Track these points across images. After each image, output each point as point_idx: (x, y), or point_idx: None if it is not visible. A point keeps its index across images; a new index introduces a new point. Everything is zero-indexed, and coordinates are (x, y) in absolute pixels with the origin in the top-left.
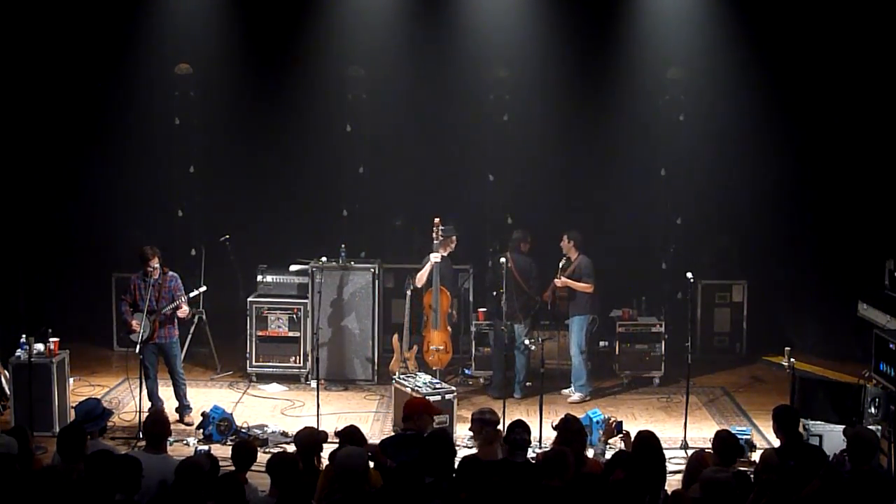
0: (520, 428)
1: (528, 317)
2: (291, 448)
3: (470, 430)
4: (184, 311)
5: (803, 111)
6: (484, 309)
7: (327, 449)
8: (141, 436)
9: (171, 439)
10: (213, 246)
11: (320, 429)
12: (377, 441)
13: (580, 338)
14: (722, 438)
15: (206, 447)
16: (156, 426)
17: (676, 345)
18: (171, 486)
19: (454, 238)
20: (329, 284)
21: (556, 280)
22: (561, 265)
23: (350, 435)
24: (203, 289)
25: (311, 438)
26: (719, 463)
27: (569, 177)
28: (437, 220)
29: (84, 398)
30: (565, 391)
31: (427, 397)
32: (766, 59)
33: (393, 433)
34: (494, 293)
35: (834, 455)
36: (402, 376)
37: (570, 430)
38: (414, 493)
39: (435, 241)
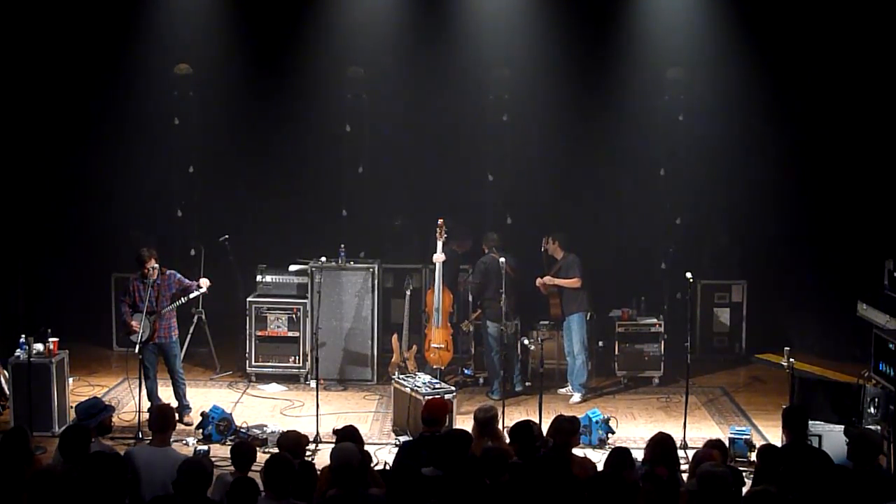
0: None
1: (517, 316)
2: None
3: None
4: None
5: (803, 111)
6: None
7: (326, 449)
8: (141, 435)
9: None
10: (212, 246)
11: (314, 430)
12: (377, 440)
13: (582, 335)
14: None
15: (205, 447)
16: (162, 419)
17: (676, 345)
18: (174, 484)
19: (470, 240)
20: (328, 284)
21: (538, 280)
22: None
23: (347, 435)
24: (207, 282)
25: (294, 442)
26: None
27: (568, 176)
28: (440, 221)
29: (84, 398)
30: (562, 391)
31: (427, 397)
32: (766, 58)
33: (393, 433)
34: (501, 292)
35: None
36: (401, 376)
37: (562, 430)
38: (411, 490)
39: (439, 241)
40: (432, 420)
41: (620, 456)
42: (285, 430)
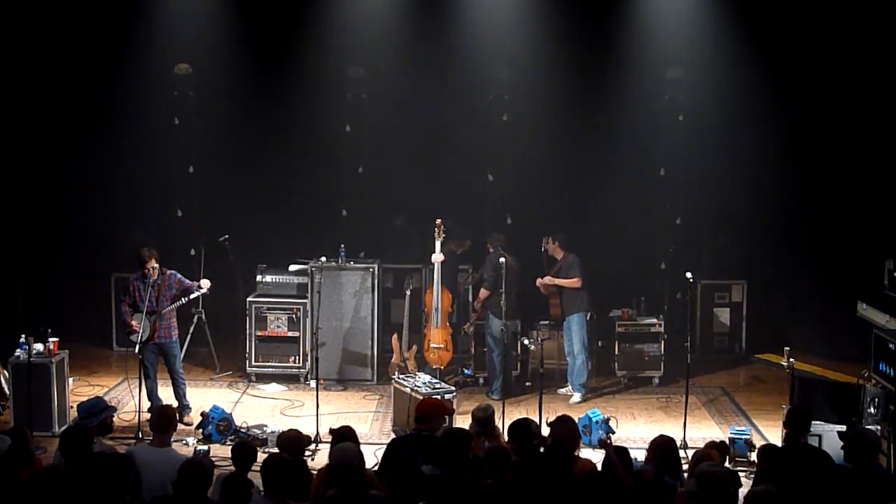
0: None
1: (517, 315)
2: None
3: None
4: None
5: (803, 111)
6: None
7: (325, 449)
8: (140, 435)
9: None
10: (212, 246)
11: (314, 430)
12: (376, 440)
13: (582, 335)
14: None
15: (205, 447)
16: (162, 420)
17: (676, 345)
18: (174, 484)
19: (468, 240)
20: (328, 284)
21: (538, 280)
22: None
23: (343, 435)
24: (207, 283)
25: (293, 441)
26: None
27: (568, 177)
28: (438, 221)
29: (84, 398)
30: (562, 391)
31: (428, 397)
32: (766, 58)
33: (393, 433)
34: (501, 292)
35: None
36: (401, 376)
37: (564, 431)
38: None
39: (437, 241)
40: (420, 418)
41: (619, 457)
42: (286, 429)
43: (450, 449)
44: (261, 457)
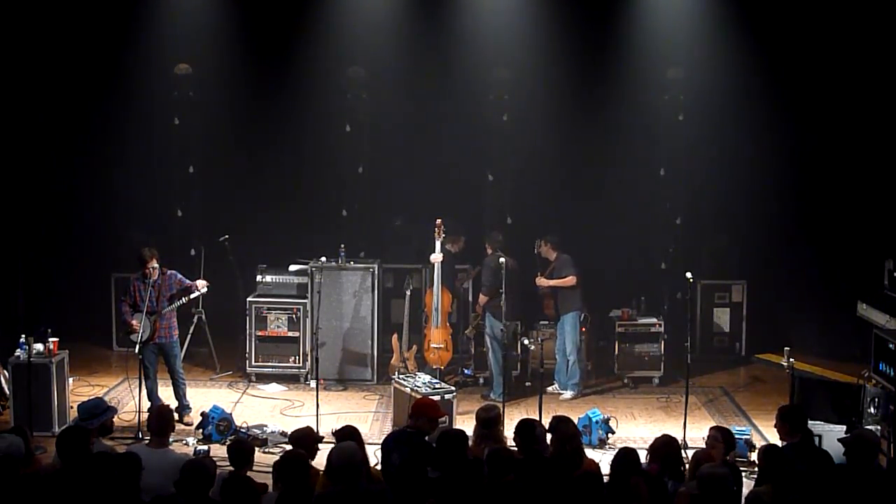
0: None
1: (517, 315)
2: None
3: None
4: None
5: (803, 111)
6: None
7: (324, 449)
8: (140, 435)
9: (171, 438)
10: (212, 246)
11: (316, 430)
12: (376, 440)
13: (575, 336)
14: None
15: (205, 447)
16: (160, 420)
17: (676, 345)
18: (176, 484)
19: (462, 238)
20: (328, 284)
21: (536, 279)
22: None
23: (347, 435)
24: (203, 283)
25: (306, 438)
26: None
27: (568, 177)
28: (438, 221)
29: (84, 398)
30: (551, 388)
31: (429, 398)
32: (766, 58)
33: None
34: (501, 292)
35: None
36: (401, 376)
37: (566, 433)
38: (412, 490)
39: (437, 241)
40: (411, 415)
41: (627, 458)
42: (296, 427)
43: (446, 449)
44: (260, 457)
